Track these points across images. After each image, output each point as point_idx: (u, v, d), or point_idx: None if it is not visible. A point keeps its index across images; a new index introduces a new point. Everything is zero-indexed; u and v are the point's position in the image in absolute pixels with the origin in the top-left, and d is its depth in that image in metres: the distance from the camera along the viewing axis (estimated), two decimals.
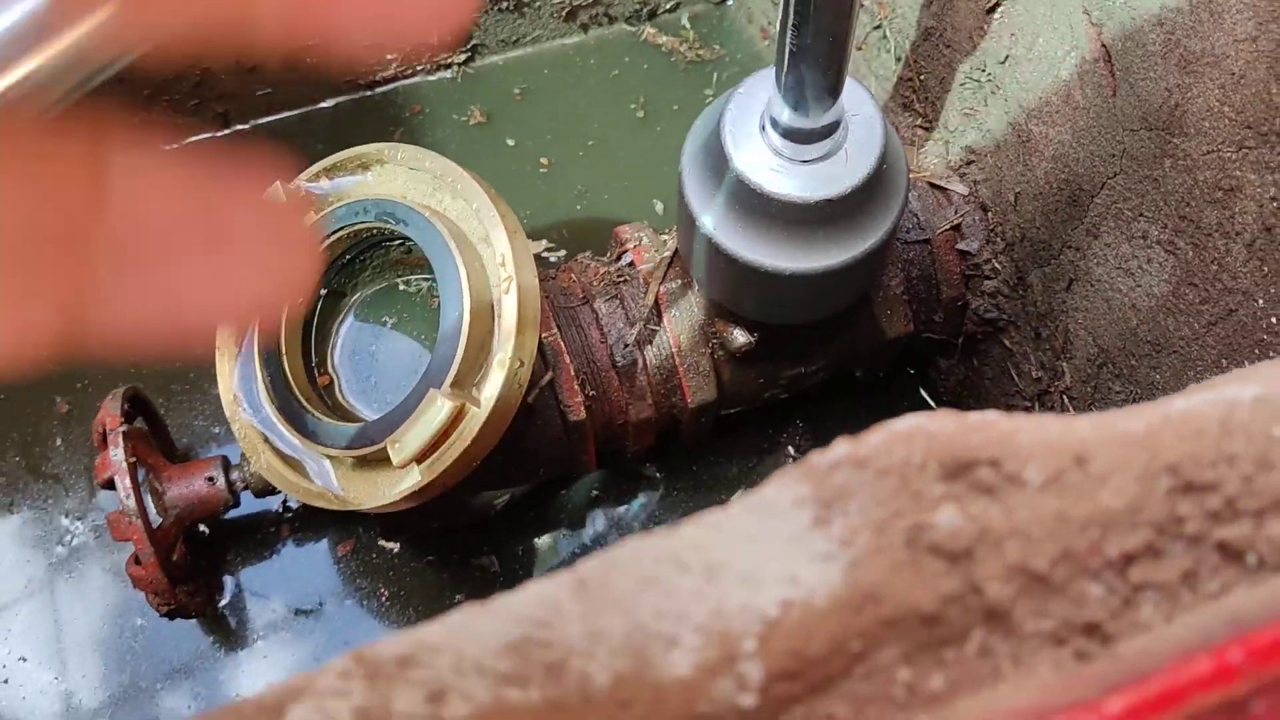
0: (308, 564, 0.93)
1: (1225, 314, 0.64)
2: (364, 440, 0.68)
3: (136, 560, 0.78)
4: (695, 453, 0.96)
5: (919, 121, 0.90)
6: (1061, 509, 0.26)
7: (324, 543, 0.93)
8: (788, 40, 0.61)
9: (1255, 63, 0.56)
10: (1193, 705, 0.23)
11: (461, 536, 0.92)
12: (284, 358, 0.72)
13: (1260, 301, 0.61)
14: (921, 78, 0.88)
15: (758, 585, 0.26)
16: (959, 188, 0.87)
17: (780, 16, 0.61)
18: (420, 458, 0.66)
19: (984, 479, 0.26)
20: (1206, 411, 0.27)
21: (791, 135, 0.67)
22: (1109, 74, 0.67)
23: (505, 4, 1.03)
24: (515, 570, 0.92)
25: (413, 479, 0.67)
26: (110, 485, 0.77)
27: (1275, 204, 0.58)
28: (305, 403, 0.71)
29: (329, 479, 0.71)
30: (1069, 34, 0.70)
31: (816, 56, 0.61)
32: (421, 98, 1.07)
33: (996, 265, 0.86)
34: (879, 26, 0.91)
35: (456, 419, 0.65)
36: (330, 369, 0.76)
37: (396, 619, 0.92)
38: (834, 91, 0.65)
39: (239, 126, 1.03)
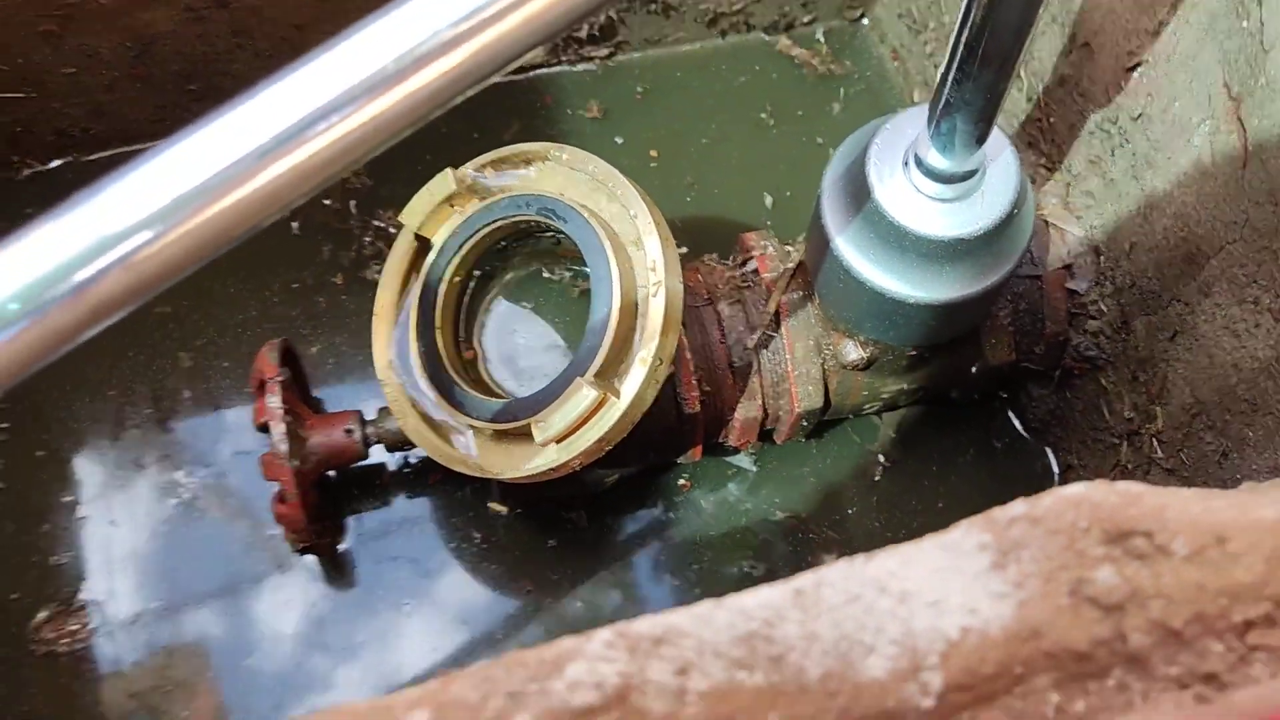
0: (416, 515, 0.99)
1: None
2: (508, 416, 0.75)
3: (282, 499, 0.85)
4: (789, 451, 1.01)
5: (1042, 160, 0.94)
6: (1201, 579, 0.32)
7: (431, 497, 1.00)
8: (945, 91, 0.66)
9: None
10: None
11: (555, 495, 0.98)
12: (438, 330, 0.78)
13: None
14: (1051, 120, 0.92)
15: (943, 611, 0.31)
16: (1075, 229, 0.91)
17: (942, 70, 0.65)
18: (560, 439, 0.72)
19: (1138, 547, 0.32)
20: None
21: (934, 175, 0.72)
22: (1242, 147, 0.71)
23: (655, 6, 1.08)
24: (603, 528, 0.98)
25: (550, 457, 0.73)
26: (265, 429, 0.84)
27: None
28: (454, 374, 0.78)
29: (470, 447, 0.78)
30: (1207, 103, 0.74)
31: (972, 109, 0.66)
32: (555, 88, 1.13)
33: (1103, 307, 0.90)
34: None
35: (597, 408, 0.71)
36: (477, 344, 0.82)
37: (495, 562, 0.98)
38: (981, 140, 0.70)
39: None
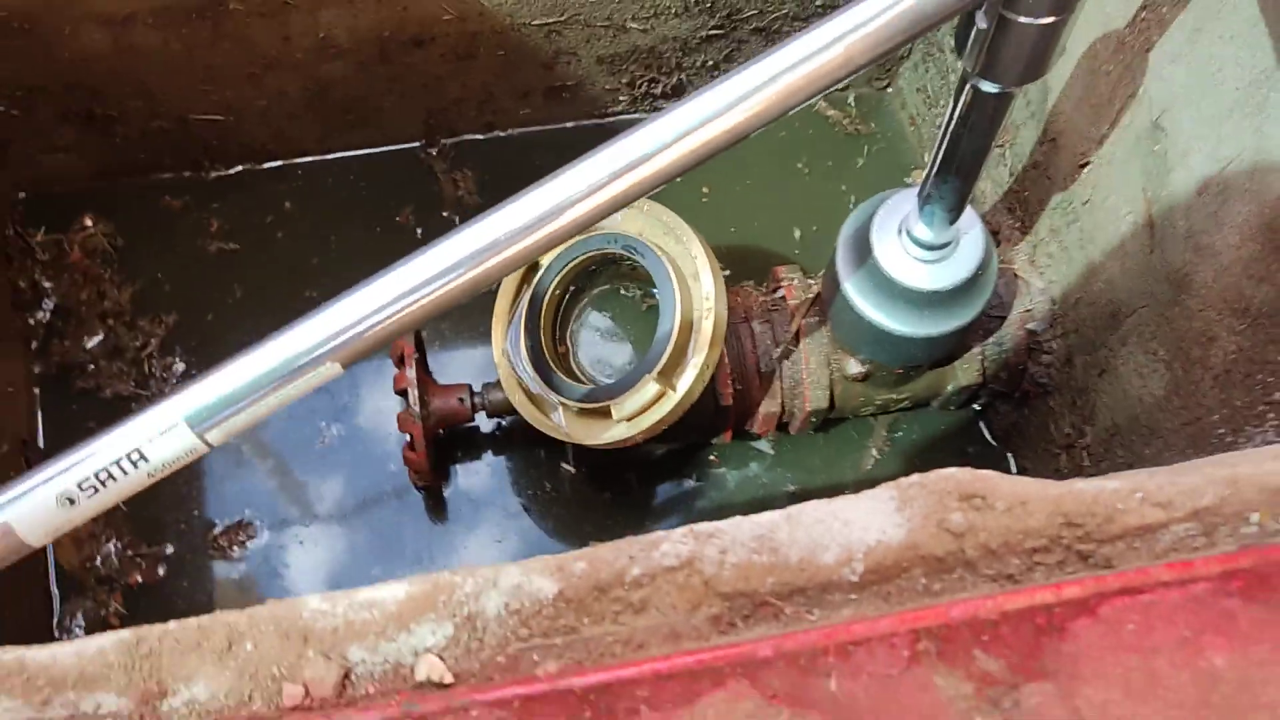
0: (503, 469, 1.26)
1: (1193, 420, 0.93)
2: (592, 398, 1.01)
3: (411, 447, 1.12)
4: (800, 440, 1.27)
5: (1017, 225, 1.19)
6: (1009, 524, 0.57)
7: (515, 457, 1.27)
8: (928, 187, 0.91)
9: (1235, 264, 0.84)
10: (1040, 606, 0.54)
11: (608, 465, 1.24)
12: (540, 333, 1.05)
13: (1215, 417, 0.90)
14: (1025, 194, 1.17)
15: (867, 531, 0.57)
16: (1037, 282, 1.16)
17: (926, 171, 0.90)
18: (629, 419, 0.99)
19: (976, 504, 0.58)
20: (1090, 490, 0.58)
21: (919, 243, 0.97)
22: (1151, 237, 0.96)
23: (715, 70, 1.33)
24: (650, 489, 1.24)
25: (621, 431, 1.00)
26: (403, 393, 1.11)
27: (1233, 357, 0.86)
28: (552, 364, 1.04)
29: (560, 419, 1.04)
30: (1131, 200, 0.98)
31: (945, 202, 0.91)
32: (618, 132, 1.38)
33: (1053, 345, 1.15)
34: (1002, 146, 1.20)
35: (659, 398, 0.97)
36: (568, 341, 1.09)
37: (563, 509, 1.24)
38: (953, 221, 0.95)
39: (498, 133, 1.35)
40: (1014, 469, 1.27)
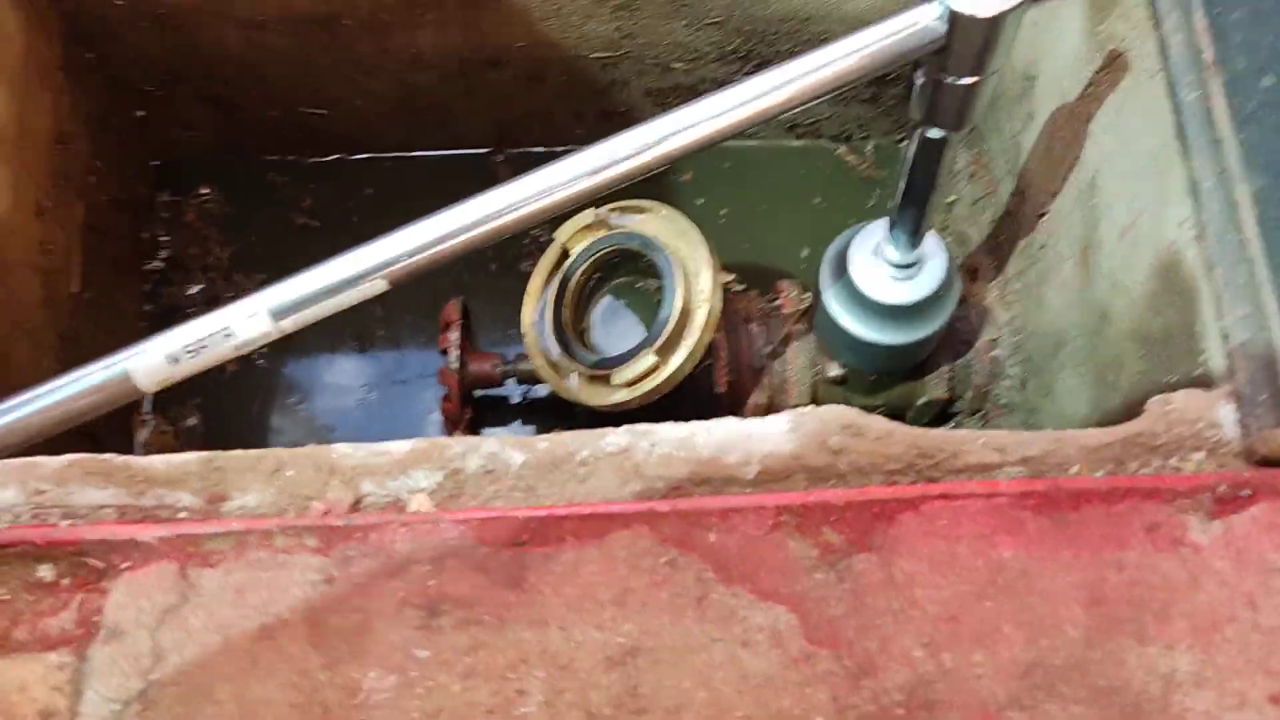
0: (524, 431, 1.45)
1: None
2: (601, 365, 1.20)
3: (447, 399, 1.32)
4: None
5: (993, 264, 1.35)
6: (875, 448, 0.75)
7: (538, 427, 1.45)
8: (893, 216, 1.09)
9: (1140, 299, 1.00)
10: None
11: None
12: (564, 308, 1.24)
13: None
14: (1000, 238, 1.33)
15: (765, 442, 0.75)
16: (1004, 314, 1.32)
17: (891, 204, 1.08)
18: (628, 385, 1.17)
19: (853, 431, 0.75)
20: (943, 434, 0.75)
21: (888, 262, 1.15)
22: (1084, 276, 1.12)
23: None
24: None
25: (621, 395, 1.18)
26: (445, 353, 1.31)
27: (1135, 379, 1.02)
28: (571, 335, 1.23)
29: (573, 383, 1.23)
30: (1072, 245, 1.14)
31: (906, 230, 1.09)
32: None
33: (1013, 370, 1.30)
34: (983, 198, 1.37)
35: (654, 369, 1.16)
36: (588, 320, 1.28)
37: None
38: (914, 245, 1.12)
39: (556, 148, 1.56)
40: None
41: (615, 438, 0.75)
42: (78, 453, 0.72)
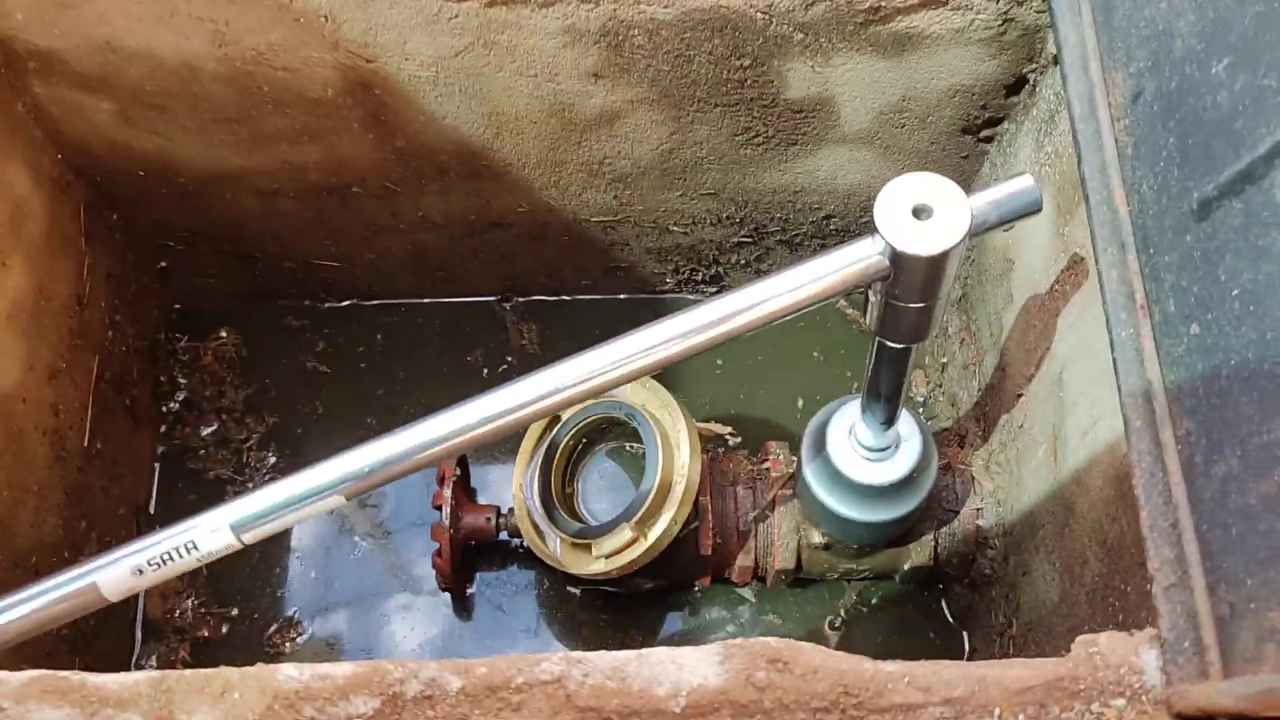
0: (520, 581, 1.48)
1: (1075, 628, 1.08)
2: (582, 535, 1.23)
3: (439, 555, 1.35)
4: (776, 593, 1.45)
5: (979, 433, 1.36)
6: (800, 685, 0.76)
7: (532, 572, 1.48)
8: (864, 404, 1.11)
9: (1100, 502, 1.01)
10: None
11: (608, 593, 1.45)
12: (551, 476, 1.28)
13: (1086, 629, 1.05)
14: (985, 408, 1.35)
15: (694, 675, 0.77)
16: (988, 484, 1.33)
17: (862, 390, 1.11)
18: (607, 556, 1.20)
19: (779, 666, 0.77)
20: (870, 669, 0.76)
21: (862, 445, 1.17)
22: (1054, 466, 1.13)
23: (748, 267, 1.56)
24: (638, 613, 1.43)
25: (600, 566, 1.21)
26: (438, 508, 1.35)
27: (1097, 579, 1.02)
28: (557, 502, 1.27)
29: (556, 548, 1.26)
30: (1045, 433, 1.16)
31: (877, 417, 1.11)
32: (666, 309, 1.61)
33: (996, 542, 1.31)
34: (970, 366, 1.38)
35: (632, 542, 1.19)
36: (575, 485, 1.31)
37: (565, 619, 1.45)
38: (887, 430, 1.14)
39: (563, 297, 1.61)
40: (967, 648, 1.42)
41: (550, 665, 0.78)
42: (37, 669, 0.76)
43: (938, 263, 0.84)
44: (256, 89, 1.19)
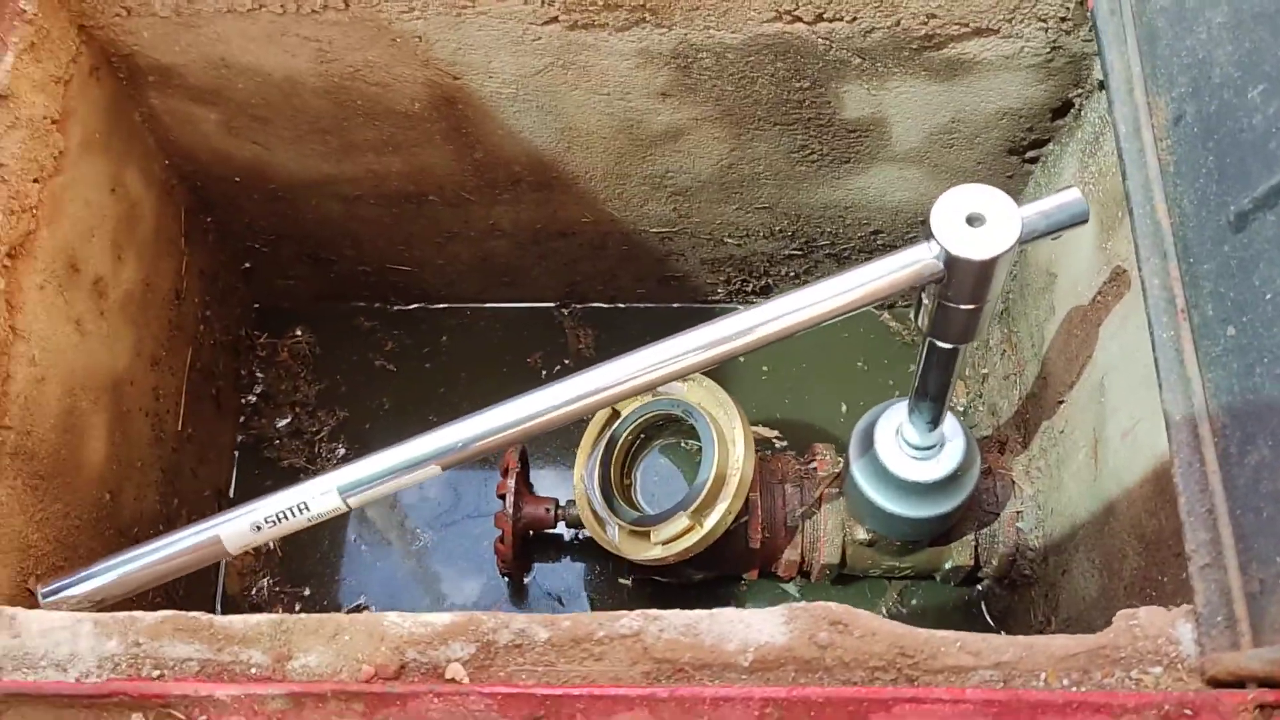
0: (574, 571, 1.55)
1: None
2: (640, 523, 1.30)
3: (502, 541, 1.43)
4: (820, 589, 1.51)
5: (1020, 439, 1.43)
6: (860, 645, 0.83)
7: (588, 565, 1.56)
8: (911, 404, 1.18)
9: (1139, 499, 1.07)
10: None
11: (659, 584, 1.52)
12: (611, 467, 1.35)
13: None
14: (1026, 415, 1.41)
15: (761, 633, 0.84)
16: (1028, 489, 1.39)
17: (910, 393, 1.18)
18: (664, 543, 1.27)
19: (840, 628, 0.84)
20: (925, 634, 0.83)
21: (909, 444, 1.24)
22: (1094, 468, 1.19)
23: (797, 278, 1.64)
24: (691, 607, 1.50)
25: (657, 552, 1.28)
26: (502, 498, 1.43)
27: (1135, 573, 1.08)
28: (615, 492, 1.34)
29: (614, 535, 1.33)
30: (1085, 437, 1.22)
31: (926, 415, 1.18)
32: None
33: (1036, 544, 1.37)
34: (1011, 376, 1.45)
35: (688, 530, 1.26)
36: (633, 477, 1.39)
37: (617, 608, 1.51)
38: (933, 429, 1.21)
39: (619, 305, 1.69)
40: None
41: (629, 620, 0.85)
42: (168, 609, 0.85)
43: (988, 267, 0.92)
44: (350, 102, 1.28)
